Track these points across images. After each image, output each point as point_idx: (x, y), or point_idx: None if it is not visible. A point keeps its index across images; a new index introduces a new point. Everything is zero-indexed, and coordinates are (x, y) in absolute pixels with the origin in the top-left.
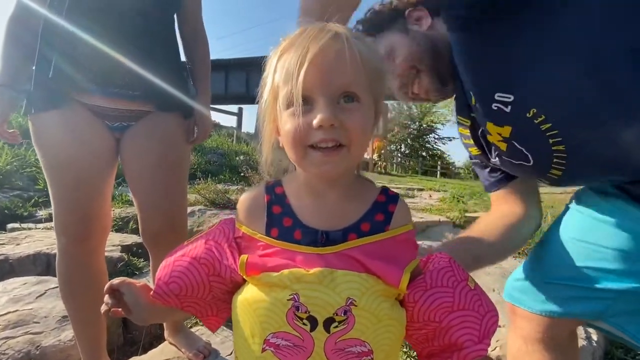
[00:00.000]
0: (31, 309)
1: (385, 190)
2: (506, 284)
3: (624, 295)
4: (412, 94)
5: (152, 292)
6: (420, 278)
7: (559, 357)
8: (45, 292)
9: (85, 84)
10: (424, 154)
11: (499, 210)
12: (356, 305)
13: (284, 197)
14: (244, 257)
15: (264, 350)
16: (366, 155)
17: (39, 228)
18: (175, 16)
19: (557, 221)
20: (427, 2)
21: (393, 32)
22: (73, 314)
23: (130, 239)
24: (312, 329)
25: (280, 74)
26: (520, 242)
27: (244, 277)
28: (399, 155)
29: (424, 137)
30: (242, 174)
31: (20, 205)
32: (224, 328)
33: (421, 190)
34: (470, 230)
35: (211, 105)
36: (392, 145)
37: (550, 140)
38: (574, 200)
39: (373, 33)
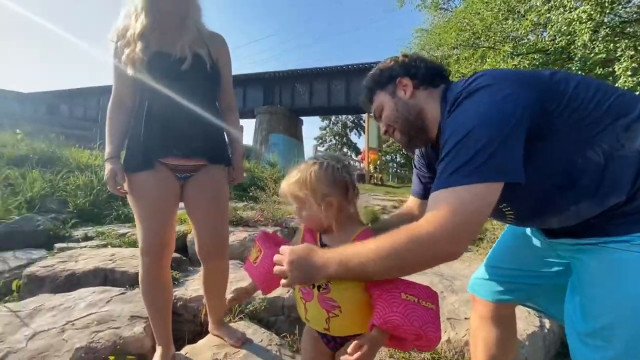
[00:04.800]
0: (106, 310)
1: (365, 230)
2: (470, 280)
3: (533, 287)
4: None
5: (259, 289)
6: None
7: (502, 328)
8: (111, 299)
9: (163, 150)
10: None
11: (409, 210)
12: (330, 283)
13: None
14: None
15: (300, 295)
16: (362, 167)
17: (86, 247)
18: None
19: (504, 233)
20: (413, 76)
21: (385, 93)
22: (152, 310)
23: None
24: (313, 287)
25: None
26: None
27: None
28: (395, 165)
29: None
30: (249, 193)
31: (61, 227)
32: (252, 324)
33: None
34: (389, 220)
35: None
36: (387, 156)
37: (505, 211)
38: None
39: (373, 89)
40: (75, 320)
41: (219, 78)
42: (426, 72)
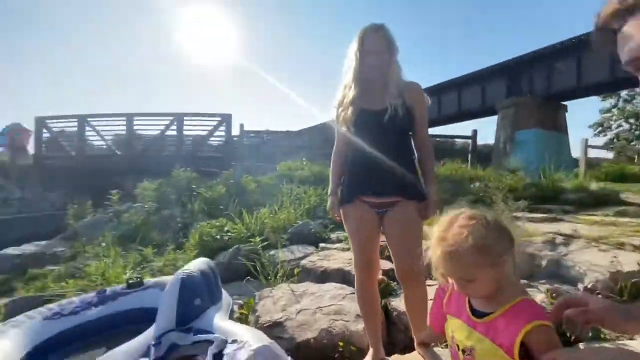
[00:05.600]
0: (341, 305)
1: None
2: None
3: None
4: None
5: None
6: None
7: None
8: (345, 296)
9: (361, 190)
10: None
11: None
12: (474, 349)
13: None
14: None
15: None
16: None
17: (336, 249)
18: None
19: None
20: None
21: None
22: (363, 314)
23: (388, 264)
24: (458, 349)
25: None
26: None
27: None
28: None
29: None
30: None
31: (323, 231)
32: None
33: None
34: None
35: (444, 134)
36: None
37: None
38: None
39: (626, 12)
40: (323, 307)
41: (412, 122)
42: None
